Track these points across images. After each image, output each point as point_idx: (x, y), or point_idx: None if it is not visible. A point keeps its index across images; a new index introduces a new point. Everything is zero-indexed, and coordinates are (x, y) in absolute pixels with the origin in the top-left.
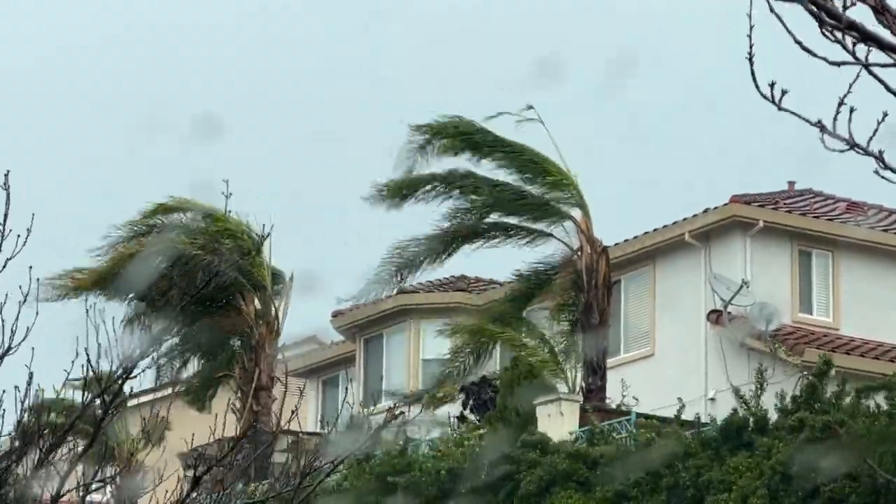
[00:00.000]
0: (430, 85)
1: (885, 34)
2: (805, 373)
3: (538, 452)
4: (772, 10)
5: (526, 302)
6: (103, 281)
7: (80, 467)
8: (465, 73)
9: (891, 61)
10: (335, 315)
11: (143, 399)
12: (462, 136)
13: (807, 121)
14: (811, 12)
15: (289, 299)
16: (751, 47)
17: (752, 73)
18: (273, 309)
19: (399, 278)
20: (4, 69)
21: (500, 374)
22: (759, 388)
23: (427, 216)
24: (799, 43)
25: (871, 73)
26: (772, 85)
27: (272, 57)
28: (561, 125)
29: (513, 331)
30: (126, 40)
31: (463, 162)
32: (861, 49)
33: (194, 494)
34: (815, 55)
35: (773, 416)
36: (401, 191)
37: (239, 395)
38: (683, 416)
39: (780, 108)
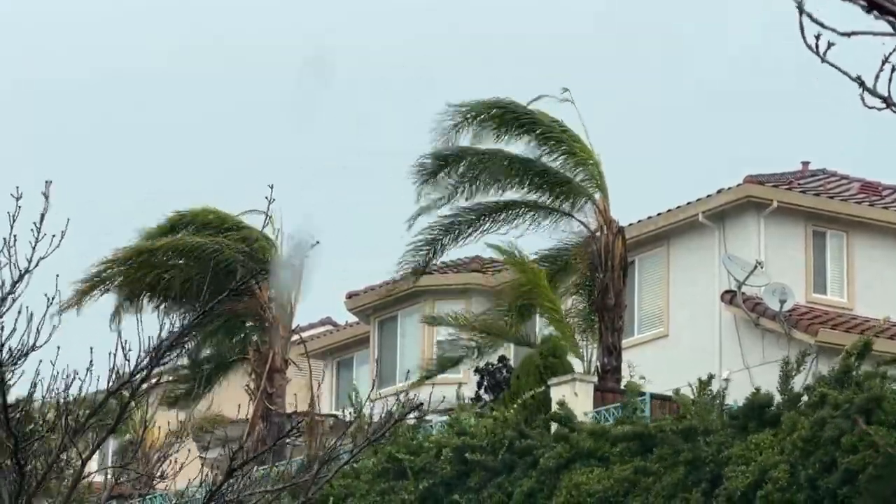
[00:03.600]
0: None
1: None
2: (811, 354)
3: (563, 428)
4: None
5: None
6: (127, 280)
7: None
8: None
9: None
10: (349, 296)
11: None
12: (499, 114)
13: (848, 75)
14: None
15: (301, 282)
16: None
17: (801, 23)
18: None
19: (432, 252)
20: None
21: (531, 351)
22: (796, 367)
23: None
24: (808, 14)
25: None
26: (817, 37)
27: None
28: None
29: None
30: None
31: (495, 142)
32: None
33: (207, 474)
34: (824, 26)
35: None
36: (434, 165)
37: (253, 377)
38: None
39: (823, 61)
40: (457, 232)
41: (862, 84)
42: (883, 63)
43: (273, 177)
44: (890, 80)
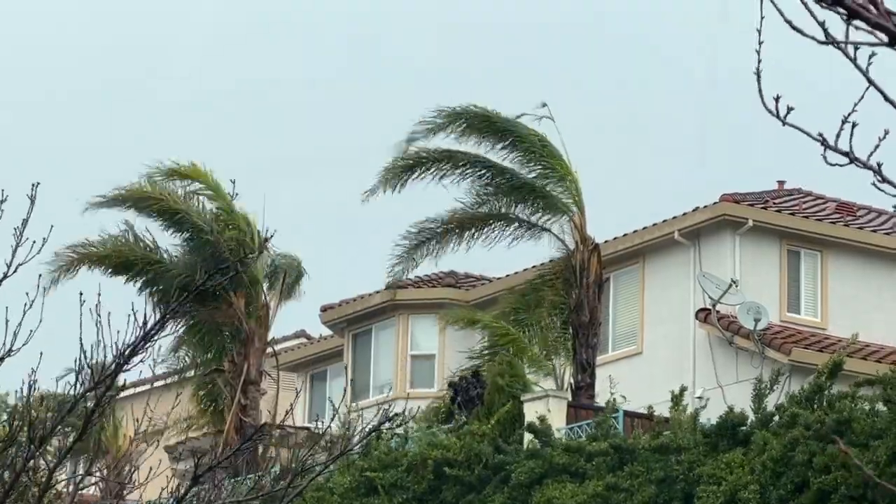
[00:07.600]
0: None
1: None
2: (783, 373)
3: (536, 444)
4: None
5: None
6: (107, 258)
7: (69, 462)
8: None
9: (876, 41)
10: (324, 309)
11: (138, 390)
12: (475, 120)
13: (809, 135)
14: None
15: (282, 294)
16: (759, 62)
17: (760, 90)
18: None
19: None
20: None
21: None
22: (770, 387)
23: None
24: (789, 22)
25: (849, 57)
26: (777, 99)
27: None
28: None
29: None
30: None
31: (471, 146)
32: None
33: (177, 484)
34: (803, 34)
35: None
36: (407, 168)
37: (228, 389)
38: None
39: (784, 124)
40: (433, 244)
41: (824, 142)
42: (843, 122)
43: (273, 177)
44: (851, 135)
